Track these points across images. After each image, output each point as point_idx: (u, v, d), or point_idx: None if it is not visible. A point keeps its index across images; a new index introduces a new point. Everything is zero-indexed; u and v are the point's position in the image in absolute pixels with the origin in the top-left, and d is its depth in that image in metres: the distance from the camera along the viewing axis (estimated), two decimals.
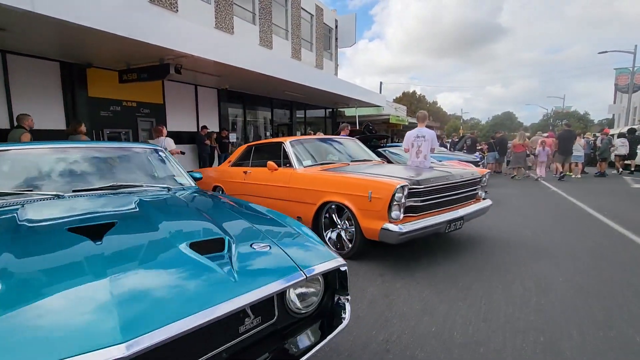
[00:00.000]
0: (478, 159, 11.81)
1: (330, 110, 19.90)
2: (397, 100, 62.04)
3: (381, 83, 29.47)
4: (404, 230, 3.01)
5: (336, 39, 19.49)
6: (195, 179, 2.96)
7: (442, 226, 3.33)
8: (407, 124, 23.10)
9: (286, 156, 4.33)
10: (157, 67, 7.18)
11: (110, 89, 8.19)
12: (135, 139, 8.85)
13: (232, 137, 12.53)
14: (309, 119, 18.82)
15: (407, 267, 3.27)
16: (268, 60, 9.66)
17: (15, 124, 5.74)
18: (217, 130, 11.15)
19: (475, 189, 3.97)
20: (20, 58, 6.76)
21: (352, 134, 8.73)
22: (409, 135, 5.33)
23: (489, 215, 4.47)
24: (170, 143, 6.90)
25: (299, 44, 15.72)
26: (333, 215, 3.68)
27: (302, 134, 16.23)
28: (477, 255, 3.64)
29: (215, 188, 5.42)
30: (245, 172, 4.86)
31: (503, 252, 3.72)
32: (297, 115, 17.16)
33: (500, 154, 12.96)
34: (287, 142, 4.43)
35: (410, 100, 65.66)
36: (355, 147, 5.19)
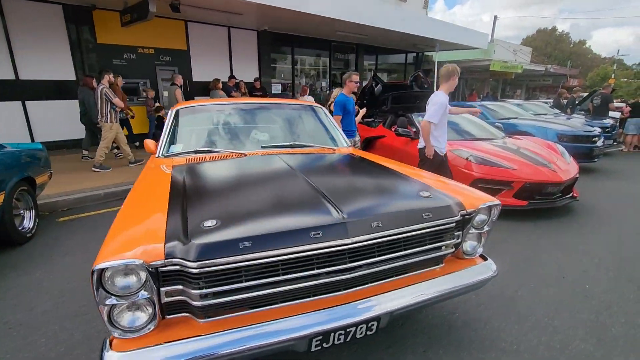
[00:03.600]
0: (608, 126, 7.93)
1: (415, 54, 16.42)
2: (528, 41, 49.96)
3: (495, 17, 22.88)
4: None
5: None
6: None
7: (289, 345, 1.37)
8: (520, 71, 17.78)
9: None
10: (143, 3, 6.02)
11: (122, 34, 7.50)
12: (155, 90, 8.22)
13: (277, 88, 11.17)
14: (385, 66, 15.88)
15: None
16: None
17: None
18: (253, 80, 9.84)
19: (437, 243, 1.73)
20: (17, 2, 6.40)
21: (386, 89, 6.38)
22: (443, 101, 3.35)
23: None
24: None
25: None
26: None
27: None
28: None
29: None
30: None
31: None
32: (368, 62, 14.51)
33: None
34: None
35: (547, 40, 52.29)
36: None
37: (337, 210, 1.43)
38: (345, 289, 1.46)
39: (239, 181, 1.95)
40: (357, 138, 4.49)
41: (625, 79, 41.41)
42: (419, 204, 1.61)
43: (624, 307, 2.23)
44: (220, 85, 8.01)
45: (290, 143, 2.69)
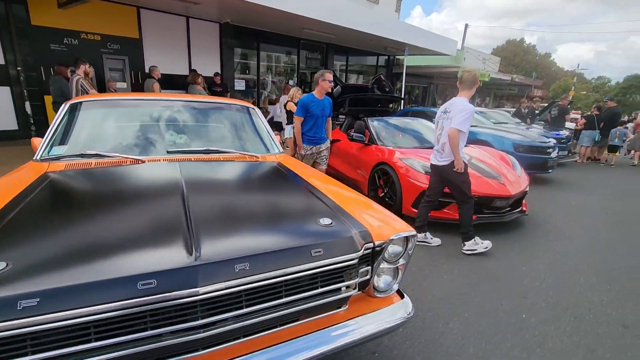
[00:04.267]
0: (562, 137, 8.09)
1: (386, 57, 16.38)
2: (498, 51, 51.83)
3: (467, 26, 23.43)
4: None
5: None
6: None
7: None
8: (487, 79, 18.18)
9: None
10: None
11: (61, 16, 6.79)
12: (101, 81, 7.53)
13: (240, 84, 10.68)
14: (357, 67, 15.71)
15: None
16: None
17: None
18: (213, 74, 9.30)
19: (335, 285, 1.39)
20: None
21: (345, 91, 6.11)
22: (439, 110, 3.33)
23: None
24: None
25: None
26: None
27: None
28: None
29: None
30: None
31: None
32: (338, 63, 14.27)
33: (604, 135, 8.70)
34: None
35: (515, 51, 54.49)
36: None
37: (190, 249, 1.09)
38: (204, 349, 1.12)
39: (97, 200, 1.55)
40: (325, 146, 4.00)
41: (585, 92, 44.04)
42: (310, 236, 1.30)
43: (558, 343, 2.03)
44: (201, 80, 7.38)
45: (204, 148, 2.33)
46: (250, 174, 2.15)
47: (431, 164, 3.34)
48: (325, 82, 3.72)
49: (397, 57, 16.31)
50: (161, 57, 8.55)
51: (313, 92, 3.82)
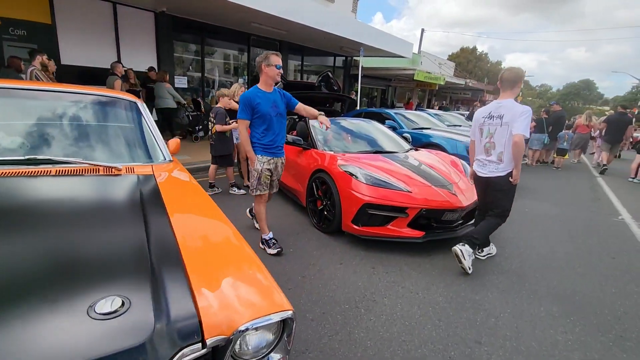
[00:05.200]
0: None
1: (344, 58, 16.01)
2: (453, 57, 53.91)
3: (423, 30, 23.85)
4: None
5: None
6: None
7: None
8: (442, 83, 18.46)
9: None
10: None
11: None
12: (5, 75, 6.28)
13: (182, 82, 9.70)
14: (313, 67, 15.18)
15: None
16: None
17: None
18: (147, 69, 8.27)
19: None
20: None
21: (287, 89, 5.48)
22: (477, 114, 2.99)
23: None
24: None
25: None
26: None
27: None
28: None
29: None
30: None
31: None
32: (293, 62, 13.65)
33: (552, 138, 8.80)
34: None
35: (468, 58, 57.07)
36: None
37: None
38: None
39: None
40: (281, 161, 3.05)
41: (530, 98, 47.45)
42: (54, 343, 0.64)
43: None
44: (122, 70, 6.82)
45: (33, 157, 1.59)
46: (85, 196, 1.43)
47: (478, 176, 2.99)
48: (271, 68, 2.72)
49: (354, 58, 16.00)
50: (82, 48, 7.41)
51: (257, 85, 2.86)
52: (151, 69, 8.22)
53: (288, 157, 4.36)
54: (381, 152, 4.10)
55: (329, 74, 6.08)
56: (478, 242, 2.85)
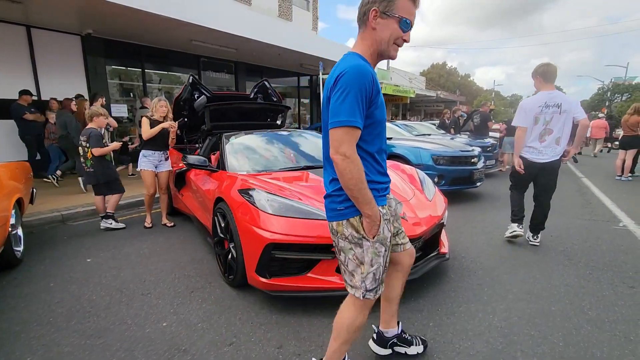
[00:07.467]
0: (488, 145, 7.36)
1: (308, 77, 15.44)
2: (424, 74, 55.11)
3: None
4: None
5: None
6: None
7: None
8: (413, 96, 18.09)
9: None
10: None
11: None
12: None
13: (120, 110, 8.69)
14: (279, 90, 14.46)
15: None
16: None
17: None
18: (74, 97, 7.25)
19: None
20: None
21: (212, 101, 4.55)
22: (530, 104, 3.07)
23: None
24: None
25: None
26: None
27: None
28: None
29: None
30: None
31: None
32: (252, 84, 12.88)
33: None
34: None
35: (440, 73, 58.51)
36: None
37: None
38: None
39: None
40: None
41: (502, 107, 48.75)
42: None
43: None
44: (29, 99, 6.28)
45: None
46: None
47: (531, 162, 3.11)
48: (392, 21, 1.21)
49: (323, 76, 15.44)
50: None
51: (358, 51, 1.28)
52: (78, 96, 7.17)
53: (196, 182, 3.37)
54: (313, 167, 3.14)
55: (266, 83, 5.23)
56: (543, 228, 3.25)
